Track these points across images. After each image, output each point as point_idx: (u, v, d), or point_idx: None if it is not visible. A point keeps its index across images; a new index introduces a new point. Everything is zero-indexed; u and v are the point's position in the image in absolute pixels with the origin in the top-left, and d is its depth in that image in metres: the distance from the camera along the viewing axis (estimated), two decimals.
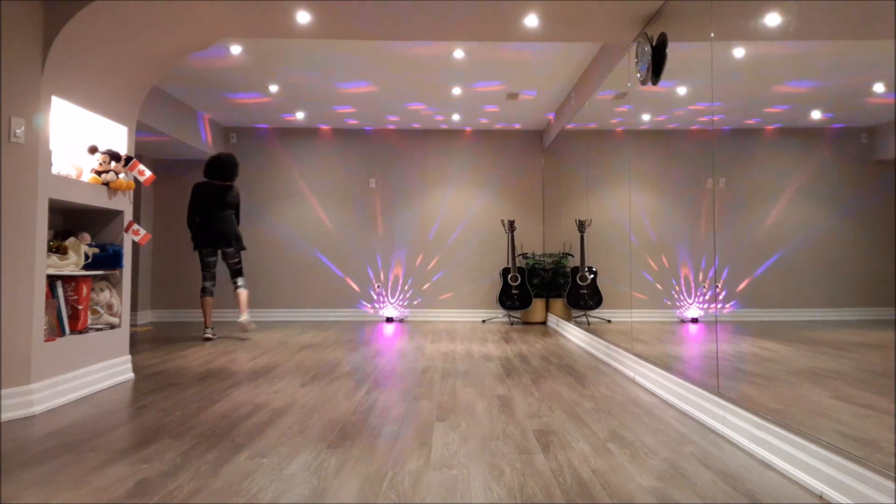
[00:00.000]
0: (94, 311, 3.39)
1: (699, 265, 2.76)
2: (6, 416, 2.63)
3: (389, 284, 7.24)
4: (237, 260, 5.32)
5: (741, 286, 2.37)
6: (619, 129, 4.06)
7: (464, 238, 7.29)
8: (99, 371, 3.26)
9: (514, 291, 6.73)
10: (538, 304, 6.86)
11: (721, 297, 2.51)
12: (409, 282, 7.25)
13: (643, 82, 3.41)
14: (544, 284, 6.87)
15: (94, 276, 3.48)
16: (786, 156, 2.10)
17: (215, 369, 3.82)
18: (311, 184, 7.27)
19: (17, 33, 2.72)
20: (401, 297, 7.24)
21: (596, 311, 4.79)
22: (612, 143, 4.23)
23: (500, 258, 7.27)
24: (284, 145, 7.28)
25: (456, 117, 6.71)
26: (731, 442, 2.28)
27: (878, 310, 1.64)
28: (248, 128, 7.25)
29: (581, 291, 5.33)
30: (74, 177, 3.20)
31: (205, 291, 5.24)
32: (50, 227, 3.36)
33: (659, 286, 3.29)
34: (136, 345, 4.97)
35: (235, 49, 4.59)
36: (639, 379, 3.41)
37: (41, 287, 2.81)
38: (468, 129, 7.30)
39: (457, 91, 5.67)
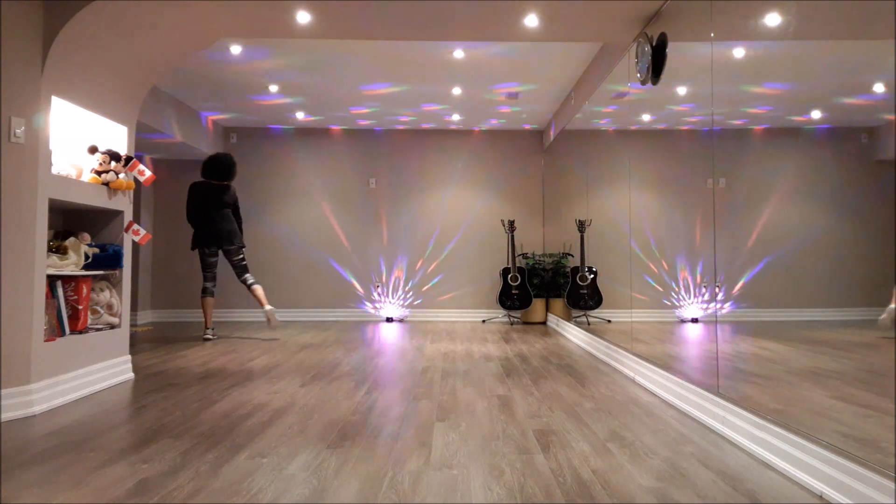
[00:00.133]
0: (94, 311, 3.39)
1: (699, 265, 2.76)
2: (6, 416, 2.63)
3: (390, 285, 7.24)
4: (240, 257, 5.32)
5: (740, 286, 2.37)
6: (619, 129, 4.06)
7: (464, 238, 7.29)
8: (99, 371, 3.26)
9: (514, 291, 6.73)
10: (538, 304, 6.86)
11: (720, 297, 2.52)
12: (409, 282, 7.25)
13: (643, 82, 3.41)
14: (544, 284, 6.87)
15: (94, 276, 3.48)
16: (786, 156, 2.10)
17: (215, 369, 3.82)
18: (310, 184, 7.27)
19: (17, 33, 2.72)
20: (401, 298, 7.24)
21: (596, 311, 4.79)
22: (613, 143, 4.23)
23: (500, 258, 7.27)
24: (284, 145, 7.28)
25: (456, 117, 6.71)
26: (731, 442, 2.28)
27: (878, 310, 1.64)
28: (248, 128, 7.25)
29: (581, 291, 5.34)
30: (74, 177, 3.20)
31: (205, 292, 5.25)
32: (50, 227, 3.36)
33: (659, 286, 3.29)
34: (136, 345, 4.97)
35: (235, 49, 4.59)
36: (639, 379, 3.41)
37: (41, 287, 2.81)
38: (468, 129, 7.30)
39: (456, 91, 5.67)
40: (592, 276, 4.97)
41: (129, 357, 3.58)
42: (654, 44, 3.23)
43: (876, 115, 1.64)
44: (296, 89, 5.67)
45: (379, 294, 7.23)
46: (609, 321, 4.40)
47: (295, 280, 7.19)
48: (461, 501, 1.72)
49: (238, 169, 7.09)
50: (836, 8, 1.78)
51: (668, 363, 3.07)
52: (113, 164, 3.39)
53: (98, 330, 3.34)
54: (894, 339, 1.58)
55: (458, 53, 4.66)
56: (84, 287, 3.22)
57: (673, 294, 3.09)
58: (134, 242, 6.30)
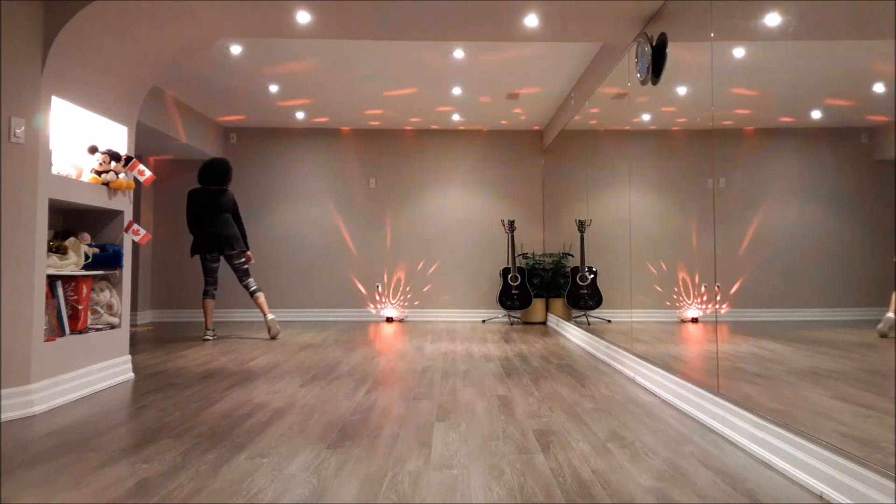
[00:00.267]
0: (94, 311, 3.39)
1: (699, 265, 2.76)
2: (6, 416, 2.63)
3: (390, 285, 7.24)
4: (241, 261, 5.32)
5: (740, 286, 2.37)
6: (619, 129, 4.06)
7: (464, 238, 7.29)
8: (99, 371, 3.26)
9: (514, 291, 6.73)
10: (538, 304, 6.86)
11: (720, 297, 2.51)
12: (409, 282, 7.25)
13: (643, 82, 3.41)
14: (544, 284, 6.87)
15: (94, 276, 3.48)
16: (786, 156, 2.10)
17: (215, 369, 3.82)
18: (310, 184, 7.27)
19: (17, 33, 2.72)
20: (401, 297, 7.23)
21: (596, 311, 4.79)
22: (612, 143, 4.23)
23: (500, 258, 7.27)
24: (284, 145, 7.28)
25: (456, 117, 6.71)
26: (731, 442, 2.28)
27: (878, 310, 1.64)
28: (248, 128, 7.25)
29: (581, 291, 5.33)
30: (74, 177, 3.20)
31: (206, 294, 5.28)
32: (50, 227, 3.36)
33: (659, 286, 3.29)
34: (136, 345, 4.97)
35: (235, 49, 4.59)
36: (639, 379, 3.41)
37: (41, 287, 2.81)
38: (468, 129, 7.30)
39: (456, 91, 5.67)
40: (592, 276, 4.97)
41: (129, 357, 3.58)
42: (654, 44, 3.22)
43: (875, 115, 1.64)
44: (295, 89, 5.67)
45: (379, 294, 7.23)
46: (609, 321, 4.40)
47: (295, 280, 7.19)
48: (461, 501, 1.72)
49: (237, 170, 7.17)
50: (835, 8, 1.78)
51: (668, 363, 3.07)
52: (113, 164, 3.39)
53: (98, 330, 3.34)
54: (894, 340, 1.58)
55: (458, 53, 4.66)
56: (84, 287, 3.22)
57: (672, 295, 3.09)
58: (134, 242, 6.31)
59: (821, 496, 1.76)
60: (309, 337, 5.51)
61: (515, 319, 7.02)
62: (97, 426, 2.51)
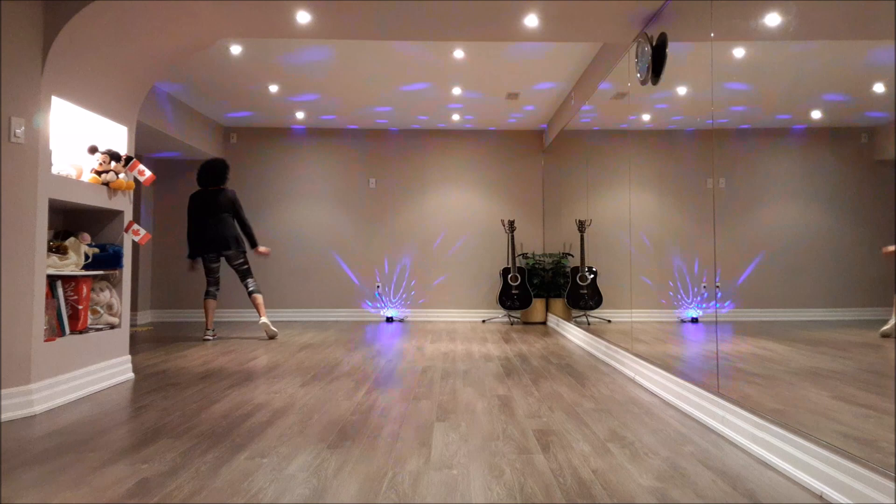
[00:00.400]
0: (94, 311, 3.39)
1: (700, 265, 2.76)
2: (6, 416, 2.63)
3: (391, 284, 7.24)
4: (240, 261, 5.31)
5: (740, 285, 2.37)
6: (619, 129, 4.06)
7: (464, 238, 7.29)
8: (99, 371, 3.26)
9: (514, 291, 6.73)
10: (538, 304, 6.86)
11: (719, 297, 2.51)
12: (409, 282, 7.25)
13: (643, 82, 3.41)
14: (544, 284, 6.87)
15: (94, 276, 3.48)
16: (786, 156, 2.10)
17: (215, 369, 3.82)
18: (310, 184, 7.27)
19: (17, 33, 2.72)
20: (400, 297, 7.24)
21: (596, 311, 4.79)
22: (612, 143, 4.23)
23: (500, 258, 7.27)
24: (284, 145, 7.28)
25: (456, 117, 6.71)
26: (731, 442, 2.28)
27: (878, 310, 1.64)
28: (248, 128, 7.25)
29: (581, 291, 5.33)
30: (74, 177, 3.20)
31: (207, 294, 5.28)
32: (50, 227, 3.36)
33: (659, 286, 3.29)
34: (136, 345, 4.97)
35: (235, 49, 4.59)
36: (639, 379, 3.41)
37: (41, 287, 2.81)
38: (468, 129, 7.30)
39: (457, 91, 5.67)
40: (592, 276, 4.97)
41: (129, 357, 3.58)
42: (654, 44, 3.22)
43: (875, 115, 1.64)
44: (296, 89, 5.67)
45: (379, 294, 7.23)
46: (609, 321, 4.40)
47: (295, 280, 7.19)
48: (461, 501, 1.72)
49: (237, 170, 7.17)
50: (835, 8, 1.78)
51: (668, 363, 3.07)
52: (113, 164, 3.39)
53: (98, 330, 3.34)
54: (894, 340, 1.58)
55: (459, 53, 4.66)
56: (84, 287, 3.22)
57: (671, 294, 3.09)
58: (134, 242, 6.31)
59: (821, 496, 1.76)
60: (309, 337, 5.51)
61: (515, 319, 7.02)
62: (97, 426, 2.51)
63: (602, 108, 4.47)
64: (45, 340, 2.86)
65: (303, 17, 3.38)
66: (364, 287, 7.23)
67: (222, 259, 5.34)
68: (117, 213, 3.54)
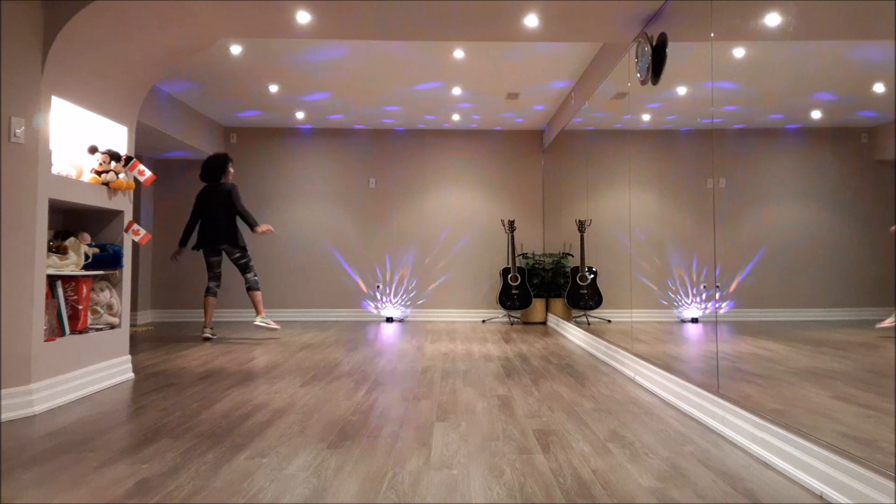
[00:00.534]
0: (94, 311, 3.39)
1: (700, 265, 2.76)
2: (6, 416, 2.63)
3: (390, 285, 7.24)
4: (237, 256, 5.31)
5: (740, 286, 2.37)
6: (619, 129, 4.06)
7: (464, 238, 7.29)
8: (99, 371, 3.26)
9: (514, 291, 6.73)
10: (538, 304, 6.86)
11: (719, 297, 2.51)
12: (409, 282, 7.25)
13: (643, 82, 3.41)
14: (544, 284, 6.87)
15: (94, 276, 3.48)
16: (786, 156, 2.10)
17: (215, 369, 3.82)
18: (310, 184, 7.27)
19: (17, 33, 2.72)
20: (401, 297, 7.23)
21: (596, 311, 4.79)
22: (612, 143, 4.23)
23: (500, 258, 7.27)
24: (284, 145, 7.28)
25: (456, 117, 6.71)
26: (731, 442, 2.28)
27: (878, 310, 1.64)
28: (248, 128, 7.25)
29: (581, 291, 5.34)
30: (74, 177, 3.20)
31: (207, 291, 5.29)
32: (50, 227, 3.36)
33: (659, 286, 3.29)
34: (136, 345, 4.97)
35: (235, 49, 4.59)
36: (639, 379, 3.41)
37: (41, 287, 2.81)
38: (468, 129, 7.30)
39: (457, 91, 5.67)
40: (592, 276, 4.97)
41: (129, 357, 3.58)
42: (654, 44, 3.22)
43: (875, 114, 1.64)
44: (296, 89, 5.66)
45: (379, 294, 7.23)
46: (609, 321, 4.40)
47: (295, 280, 7.19)
48: (461, 501, 1.72)
49: (236, 169, 7.16)
50: (835, 8, 1.78)
51: (668, 363, 3.07)
52: (113, 164, 3.39)
53: (98, 330, 3.34)
54: (894, 339, 1.58)
55: (458, 53, 4.66)
56: (84, 287, 3.22)
57: (671, 294, 3.09)
58: (134, 242, 6.31)
59: (821, 496, 1.76)
60: (309, 337, 5.51)
61: (515, 319, 7.02)
62: (97, 426, 2.51)
63: (602, 108, 4.47)
64: (45, 340, 2.86)
65: (303, 17, 3.38)
66: (364, 287, 7.23)
67: (223, 254, 5.35)
68: (117, 213, 3.54)
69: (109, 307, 3.47)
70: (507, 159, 7.34)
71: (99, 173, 3.35)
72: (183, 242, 5.34)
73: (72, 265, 3.14)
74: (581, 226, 5.24)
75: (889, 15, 1.54)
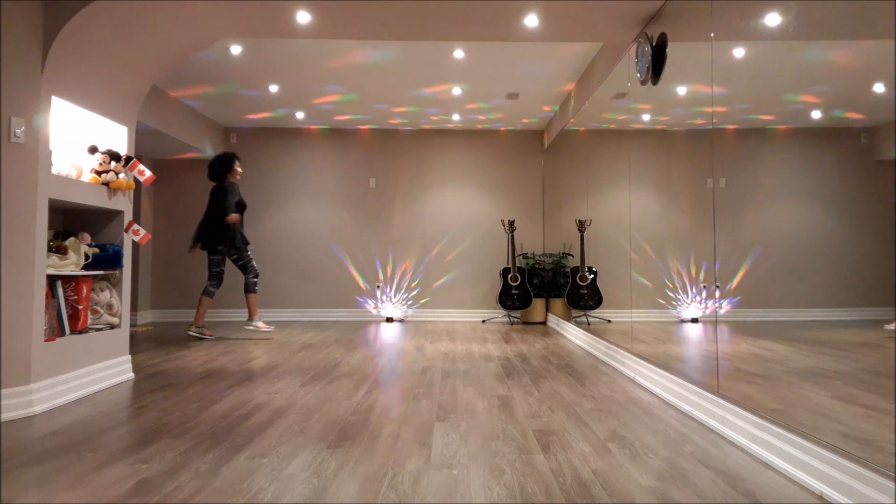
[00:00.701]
0: (94, 311, 3.39)
1: (699, 265, 2.76)
2: (6, 416, 2.63)
3: (390, 284, 7.24)
4: (235, 257, 5.29)
5: (740, 286, 2.37)
6: (619, 129, 4.06)
7: (464, 238, 7.29)
8: (99, 371, 3.26)
9: (514, 291, 6.73)
10: (538, 304, 6.86)
11: (719, 297, 2.51)
12: (409, 282, 7.25)
13: (643, 82, 3.41)
14: (544, 284, 6.87)
15: (94, 276, 3.48)
16: (786, 156, 2.10)
17: (215, 369, 3.82)
18: (310, 184, 7.27)
19: (17, 33, 2.72)
20: (401, 297, 7.23)
21: (596, 311, 4.79)
22: (612, 143, 4.23)
23: (500, 258, 7.27)
24: (284, 145, 7.28)
25: (456, 117, 6.71)
26: (731, 442, 2.28)
27: (878, 310, 1.64)
28: (248, 128, 7.25)
29: (581, 291, 5.34)
30: (74, 177, 3.20)
31: (204, 290, 5.27)
32: (50, 227, 3.36)
33: (659, 286, 3.29)
34: (136, 345, 4.97)
35: (235, 49, 4.59)
36: (639, 379, 3.41)
37: (41, 287, 2.81)
38: (468, 128, 7.30)
39: (457, 91, 5.67)
40: (592, 276, 4.97)
41: (129, 357, 3.58)
42: (654, 44, 3.22)
43: (876, 115, 1.64)
44: (296, 90, 5.66)
45: (379, 294, 7.23)
46: (609, 321, 4.40)
47: (295, 280, 7.19)
48: (461, 501, 1.72)
49: (242, 166, 7.13)
50: (835, 8, 1.78)
51: (668, 363, 3.07)
52: (113, 164, 3.39)
53: (98, 330, 3.34)
54: (894, 339, 1.58)
55: (458, 53, 4.66)
56: (84, 287, 3.22)
57: (669, 293, 3.09)
58: (134, 242, 6.31)
59: (821, 496, 1.76)
60: (309, 337, 5.51)
61: (515, 319, 7.02)
62: (97, 426, 2.51)
63: (602, 108, 4.47)
64: (45, 340, 2.86)
65: (303, 17, 3.38)
66: (364, 287, 7.23)
67: (223, 255, 5.33)
68: (117, 213, 3.54)
69: (109, 307, 3.47)
70: (508, 159, 7.34)
71: (99, 173, 3.35)
72: (194, 240, 5.36)
73: (72, 265, 3.14)
74: (581, 226, 5.24)
75: (889, 15, 1.54)
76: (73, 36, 2.93)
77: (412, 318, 7.21)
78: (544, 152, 7.25)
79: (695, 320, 2.88)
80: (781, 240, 2.11)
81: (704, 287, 2.70)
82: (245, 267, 5.33)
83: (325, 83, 5.47)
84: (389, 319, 7.10)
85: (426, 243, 7.28)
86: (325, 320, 7.08)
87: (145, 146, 6.29)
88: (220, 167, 5.32)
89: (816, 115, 1.92)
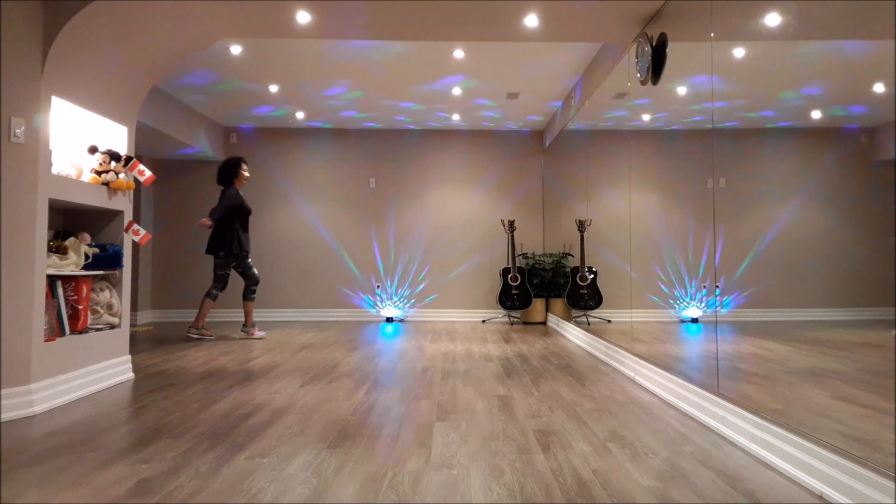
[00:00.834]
0: (94, 311, 3.39)
1: (699, 265, 2.76)
2: (6, 416, 2.63)
3: (390, 284, 7.24)
4: (234, 264, 5.29)
5: (740, 286, 2.37)
6: (618, 129, 4.06)
7: (464, 238, 7.28)
8: (99, 371, 3.26)
9: (514, 291, 6.73)
10: (538, 304, 6.86)
11: (719, 297, 2.51)
12: (409, 282, 7.25)
13: (643, 82, 3.41)
14: (544, 284, 6.87)
15: (94, 276, 3.48)
16: (786, 156, 2.10)
17: (215, 369, 3.82)
18: (310, 184, 7.27)
19: (17, 33, 2.72)
20: (401, 297, 7.23)
21: (596, 311, 4.79)
22: (613, 143, 4.23)
23: (500, 258, 7.27)
24: (284, 145, 7.28)
25: (456, 117, 6.71)
26: (731, 442, 2.28)
27: (878, 310, 1.64)
28: (248, 128, 7.25)
29: (581, 291, 5.34)
30: (74, 177, 3.20)
31: (207, 292, 5.26)
32: (50, 227, 3.36)
33: (659, 286, 3.29)
34: (136, 345, 4.97)
35: (235, 49, 4.59)
36: (639, 379, 3.41)
37: (41, 287, 2.81)
38: (468, 128, 7.30)
39: (457, 91, 5.67)
40: (592, 276, 4.97)
41: (129, 357, 3.58)
42: (654, 44, 3.22)
43: (876, 115, 1.64)
44: (296, 89, 5.66)
45: (379, 294, 7.23)
46: (609, 321, 4.40)
47: (295, 280, 7.19)
48: (461, 501, 1.72)
49: (248, 171, 7.11)
50: (835, 8, 1.78)
51: (668, 363, 3.07)
52: (113, 164, 3.39)
53: (98, 330, 3.34)
54: (894, 339, 1.58)
55: (458, 53, 4.66)
56: (84, 287, 3.22)
57: (672, 294, 3.09)
58: (134, 242, 6.31)
59: (821, 496, 1.76)
60: (309, 337, 5.51)
61: (515, 319, 7.02)
62: (97, 426, 2.51)
63: (602, 107, 4.47)
64: (45, 340, 2.86)
65: (303, 17, 3.38)
66: (364, 287, 7.22)
67: (225, 262, 5.30)
68: (117, 213, 3.54)
69: (109, 307, 3.47)
70: (508, 159, 7.34)
71: (99, 173, 3.35)
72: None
73: (72, 265, 3.14)
74: (581, 226, 5.24)
75: (889, 15, 1.54)
76: (73, 36, 2.93)
77: (412, 318, 7.21)
78: (544, 152, 7.25)
79: (695, 320, 2.88)
80: (781, 239, 2.11)
81: (704, 287, 2.70)
82: (244, 274, 5.32)
83: (326, 83, 5.47)
84: (389, 319, 7.10)
85: (426, 243, 7.27)
86: (325, 320, 7.08)
87: (145, 146, 6.29)
88: (226, 172, 5.32)
89: (816, 114, 1.92)
